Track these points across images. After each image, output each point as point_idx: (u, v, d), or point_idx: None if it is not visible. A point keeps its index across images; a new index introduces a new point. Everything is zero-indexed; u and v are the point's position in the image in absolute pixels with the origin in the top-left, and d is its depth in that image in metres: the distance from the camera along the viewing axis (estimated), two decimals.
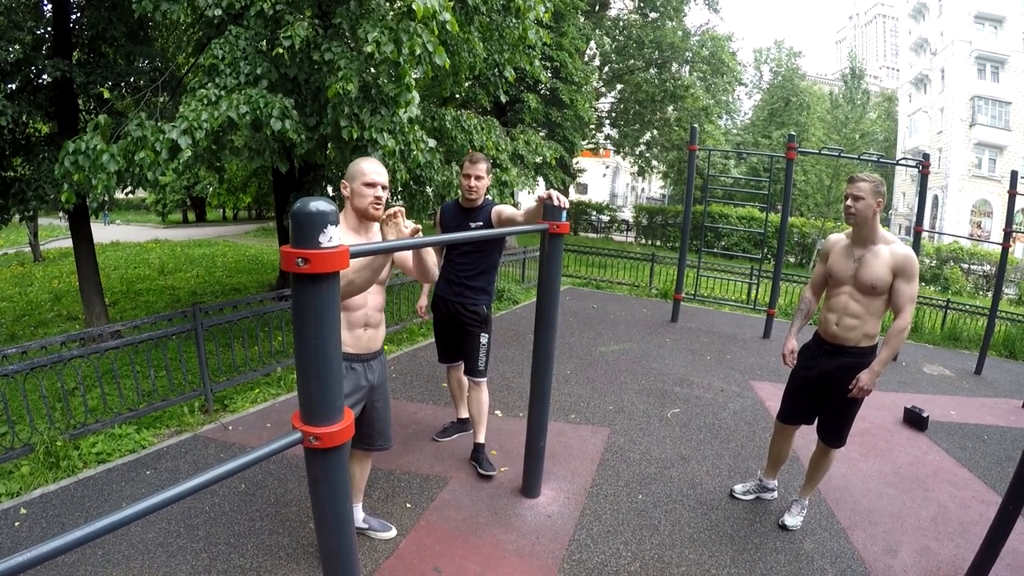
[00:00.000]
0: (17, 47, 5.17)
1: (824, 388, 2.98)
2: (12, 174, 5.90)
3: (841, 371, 2.87)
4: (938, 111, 33.62)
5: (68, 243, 7.75)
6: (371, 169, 2.37)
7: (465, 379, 3.72)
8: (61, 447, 3.52)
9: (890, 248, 2.78)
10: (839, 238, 3.01)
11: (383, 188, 2.37)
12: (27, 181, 5.66)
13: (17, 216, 6.03)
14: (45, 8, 6.25)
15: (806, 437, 3.58)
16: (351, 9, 4.48)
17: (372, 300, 2.47)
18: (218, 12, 4.25)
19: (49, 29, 6.13)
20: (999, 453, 4.43)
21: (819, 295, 3.18)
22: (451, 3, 4.34)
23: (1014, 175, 6.88)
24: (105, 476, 3.44)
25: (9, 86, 5.71)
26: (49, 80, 5.73)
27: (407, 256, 2.56)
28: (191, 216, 29.55)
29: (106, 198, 4.35)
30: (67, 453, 3.53)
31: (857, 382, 2.78)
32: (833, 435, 3.02)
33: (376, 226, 2.47)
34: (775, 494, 3.46)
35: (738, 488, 3.49)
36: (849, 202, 2.80)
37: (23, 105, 5.43)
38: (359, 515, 2.89)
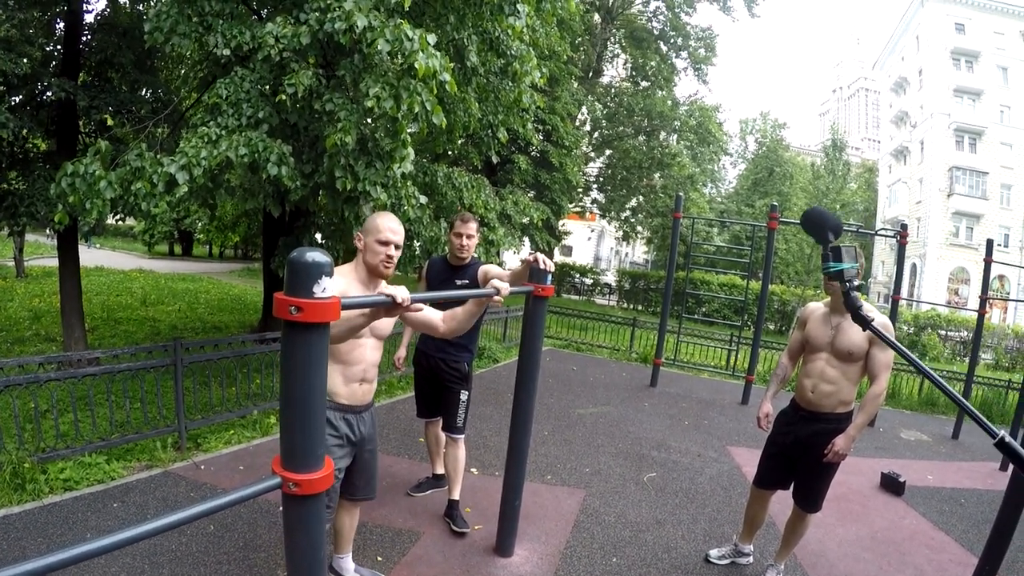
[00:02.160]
0: (26, 61, 5.20)
1: (800, 453, 3.02)
2: (6, 187, 5.87)
3: (817, 436, 2.91)
4: (917, 181, 34.73)
5: (53, 262, 7.64)
6: (387, 226, 2.33)
7: (443, 435, 3.69)
8: (28, 469, 3.45)
9: None
10: (817, 306, 3.11)
11: (396, 248, 2.34)
12: (20, 196, 5.62)
13: (5, 230, 5.98)
14: (57, 26, 6.36)
15: (783, 502, 3.58)
16: (354, 62, 4.62)
17: (371, 356, 2.45)
18: (226, 52, 4.36)
19: (59, 47, 6.21)
20: (976, 516, 4.46)
21: (796, 361, 3.25)
22: (451, 64, 4.50)
23: (990, 243, 7.16)
24: (71, 504, 3.36)
25: (13, 99, 5.73)
26: (53, 98, 5.77)
27: (428, 318, 2.45)
28: (177, 249, 29.28)
29: (97, 222, 4.35)
30: (34, 476, 3.46)
31: (833, 447, 2.82)
32: (809, 500, 3.05)
33: (384, 283, 2.38)
34: (751, 559, 3.45)
35: (713, 553, 3.46)
36: None
37: (25, 120, 5.43)
38: (350, 566, 2.84)
